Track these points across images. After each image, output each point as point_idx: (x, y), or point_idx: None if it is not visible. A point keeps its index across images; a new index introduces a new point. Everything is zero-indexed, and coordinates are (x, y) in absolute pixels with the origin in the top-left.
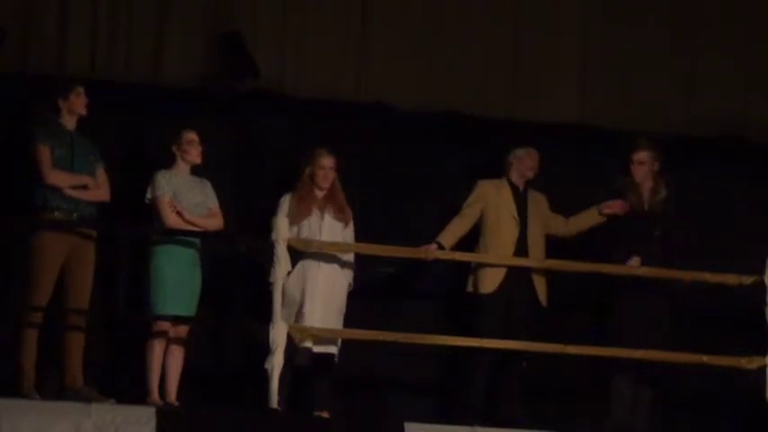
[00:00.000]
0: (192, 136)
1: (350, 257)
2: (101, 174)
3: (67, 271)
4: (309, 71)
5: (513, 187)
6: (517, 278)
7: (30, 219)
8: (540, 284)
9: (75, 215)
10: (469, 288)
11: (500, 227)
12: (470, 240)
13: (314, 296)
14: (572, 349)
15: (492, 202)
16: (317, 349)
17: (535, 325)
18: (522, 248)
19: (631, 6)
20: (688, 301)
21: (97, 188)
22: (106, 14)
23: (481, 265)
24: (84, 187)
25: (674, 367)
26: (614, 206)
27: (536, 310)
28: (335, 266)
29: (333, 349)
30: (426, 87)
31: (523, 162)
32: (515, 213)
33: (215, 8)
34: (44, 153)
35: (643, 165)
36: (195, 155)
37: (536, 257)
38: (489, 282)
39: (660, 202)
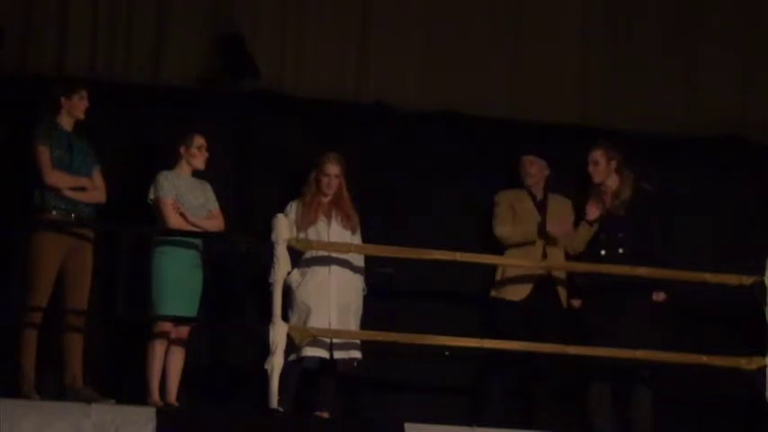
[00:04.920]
0: (202, 141)
1: (360, 262)
2: (98, 175)
3: (66, 272)
4: (309, 71)
5: (531, 195)
6: (544, 286)
7: (28, 219)
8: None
9: (72, 215)
10: (493, 293)
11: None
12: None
13: (328, 302)
14: (572, 350)
15: (516, 210)
16: (340, 355)
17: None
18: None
19: (631, 7)
20: (688, 300)
21: (94, 189)
22: (106, 14)
23: (507, 273)
24: (83, 188)
25: (668, 367)
26: (591, 211)
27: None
28: (349, 272)
29: (356, 354)
30: (426, 87)
31: (523, 168)
32: (539, 220)
33: (215, 8)
34: (44, 153)
35: (598, 164)
36: (201, 160)
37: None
38: (518, 290)
39: (622, 204)
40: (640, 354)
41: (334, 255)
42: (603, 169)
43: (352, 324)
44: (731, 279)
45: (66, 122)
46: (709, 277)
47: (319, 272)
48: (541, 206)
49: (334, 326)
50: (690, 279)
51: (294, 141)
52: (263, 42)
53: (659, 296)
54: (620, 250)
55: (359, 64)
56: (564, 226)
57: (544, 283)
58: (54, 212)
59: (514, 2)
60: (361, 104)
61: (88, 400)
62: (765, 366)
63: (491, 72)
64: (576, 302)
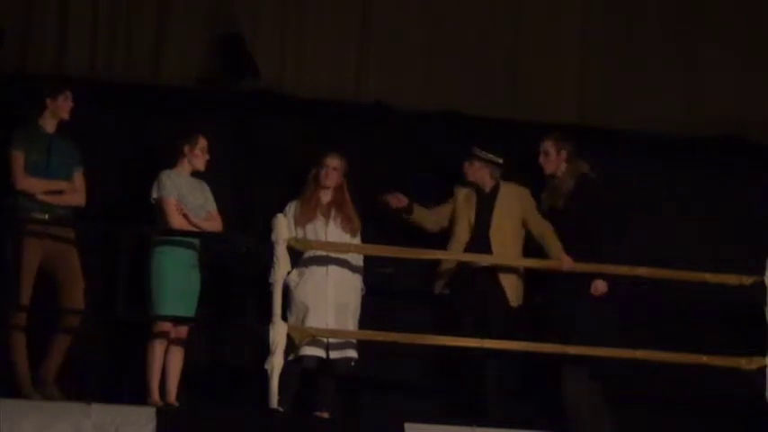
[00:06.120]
0: (205, 143)
1: (359, 262)
2: (78, 178)
3: (55, 276)
4: (309, 71)
5: (477, 190)
6: (472, 279)
7: (6, 221)
8: (509, 284)
9: (46, 217)
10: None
11: (457, 231)
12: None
13: (326, 302)
14: (573, 350)
15: (458, 206)
16: (335, 355)
17: (506, 325)
18: (478, 250)
19: (631, 7)
20: (688, 300)
21: (74, 192)
22: (106, 14)
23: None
24: (60, 192)
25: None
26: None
27: (506, 310)
28: (347, 271)
29: (352, 353)
30: (426, 87)
31: (464, 170)
32: (472, 217)
33: (215, 8)
34: (17, 159)
35: (548, 155)
36: (203, 162)
37: (503, 255)
38: (440, 284)
39: (562, 196)
40: (640, 354)
41: (332, 255)
42: (554, 159)
43: (350, 324)
44: (731, 279)
45: (49, 124)
46: (709, 277)
47: (317, 272)
48: (489, 199)
49: (332, 325)
50: (690, 279)
51: (294, 141)
52: (263, 42)
53: (597, 288)
54: (562, 242)
55: (359, 64)
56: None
57: (485, 277)
58: (32, 214)
59: (514, 2)
60: (361, 104)
61: (52, 398)
62: (765, 366)
63: (491, 72)
64: (538, 300)
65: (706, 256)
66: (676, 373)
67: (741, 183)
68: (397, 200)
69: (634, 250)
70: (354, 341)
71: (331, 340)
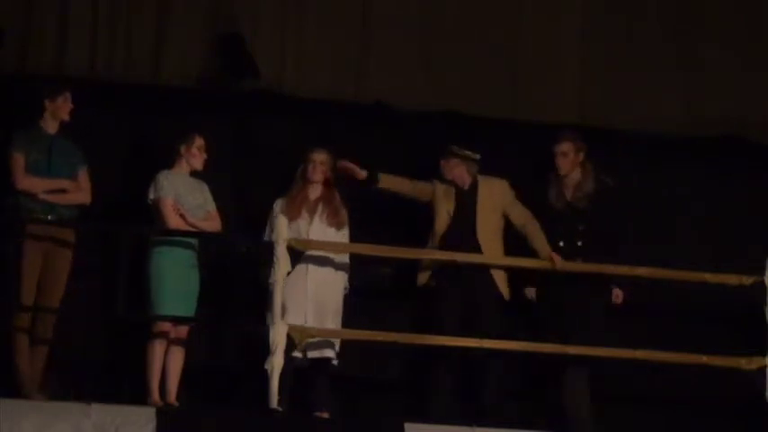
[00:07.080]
0: (202, 142)
1: (344, 259)
2: (83, 176)
3: (41, 276)
4: (309, 71)
5: (456, 187)
6: (461, 277)
7: (14, 223)
8: (499, 278)
9: (49, 217)
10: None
11: (436, 225)
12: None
13: (305, 301)
14: (572, 349)
15: (437, 200)
16: (313, 354)
17: (501, 321)
18: (466, 248)
19: (631, 7)
20: (688, 300)
21: (78, 191)
22: (106, 14)
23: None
24: (62, 191)
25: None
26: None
27: (497, 304)
28: (329, 270)
29: (329, 353)
30: (426, 87)
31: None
32: (451, 209)
33: (215, 8)
34: (18, 160)
35: (566, 156)
36: (200, 161)
37: (491, 251)
38: (424, 276)
39: (585, 196)
40: (640, 354)
41: (314, 253)
42: (572, 160)
43: (331, 323)
44: (731, 279)
45: (49, 125)
46: (709, 277)
47: (296, 270)
48: (470, 195)
49: (310, 324)
50: (690, 279)
51: (294, 141)
52: (263, 42)
53: (618, 297)
54: (579, 243)
55: (359, 64)
56: None
57: (474, 274)
58: (35, 214)
59: (514, 2)
60: (361, 104)
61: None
62: (765, 366)
63: (491, 72)
64: (530, 292)
65: (706, 256)
66: (676, 373)
67: (741, 183)
68: (349, 168)
69: (634, 250)
70: (333, 341)
71: (309, 340)
